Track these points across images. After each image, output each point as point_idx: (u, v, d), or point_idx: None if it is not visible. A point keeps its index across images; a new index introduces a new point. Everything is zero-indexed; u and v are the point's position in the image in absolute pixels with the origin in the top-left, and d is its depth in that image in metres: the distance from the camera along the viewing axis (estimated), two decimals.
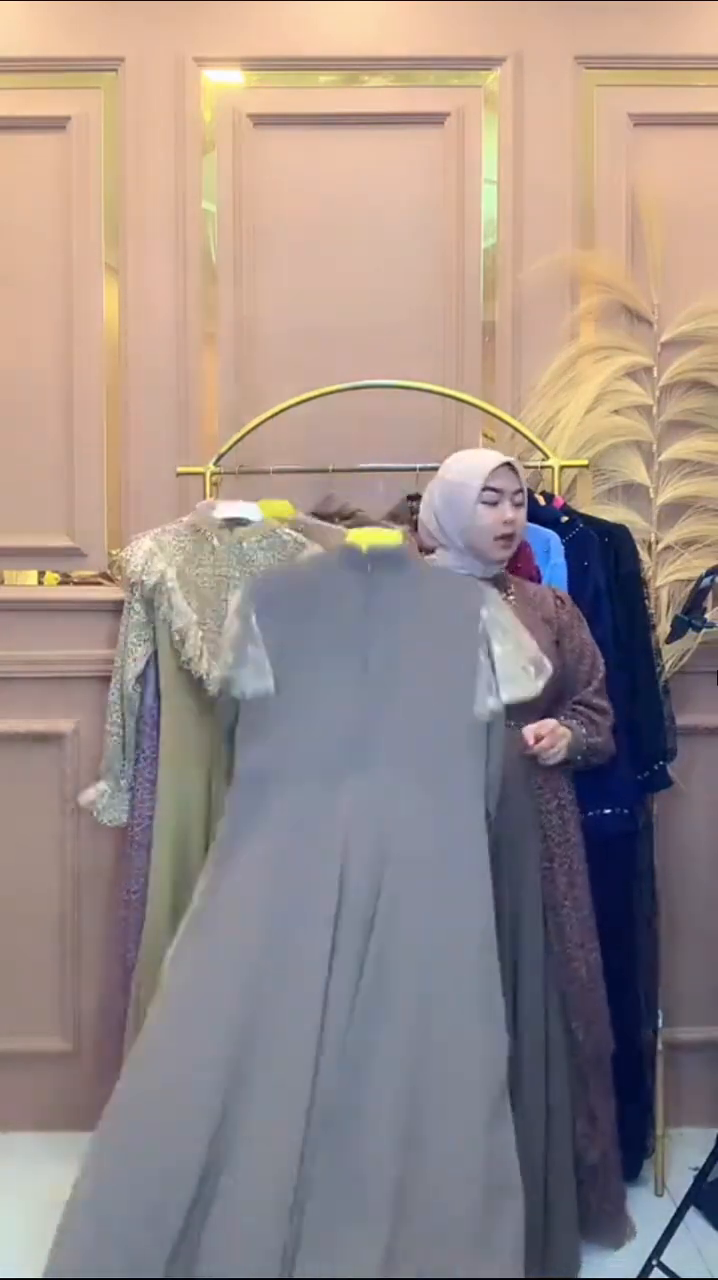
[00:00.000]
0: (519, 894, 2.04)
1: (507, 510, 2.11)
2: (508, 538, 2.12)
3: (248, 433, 2.49)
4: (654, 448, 2.57)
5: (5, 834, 2.65)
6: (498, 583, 2.17)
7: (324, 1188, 1.57)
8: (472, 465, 2.14)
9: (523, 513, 2.14)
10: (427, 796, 1.83)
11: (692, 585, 2.21)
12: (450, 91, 2.62)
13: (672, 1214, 2.06)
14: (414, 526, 2.49)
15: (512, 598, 2.17)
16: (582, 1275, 2.12)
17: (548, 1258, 2.03)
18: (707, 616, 2.16)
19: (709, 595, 2.09)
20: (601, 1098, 2.13)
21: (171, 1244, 1.56)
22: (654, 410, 2.58)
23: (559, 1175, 2.05)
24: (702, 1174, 2.07)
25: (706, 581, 2.12)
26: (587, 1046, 2.09)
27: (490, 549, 2.13)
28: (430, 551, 2.30)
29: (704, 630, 2.18)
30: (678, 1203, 2.08)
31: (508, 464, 2.13)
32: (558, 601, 2.19)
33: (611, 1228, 2.20)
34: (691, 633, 2.21)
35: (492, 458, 2.13)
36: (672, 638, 2.32)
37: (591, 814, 2.23)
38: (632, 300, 2.60)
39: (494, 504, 2.11)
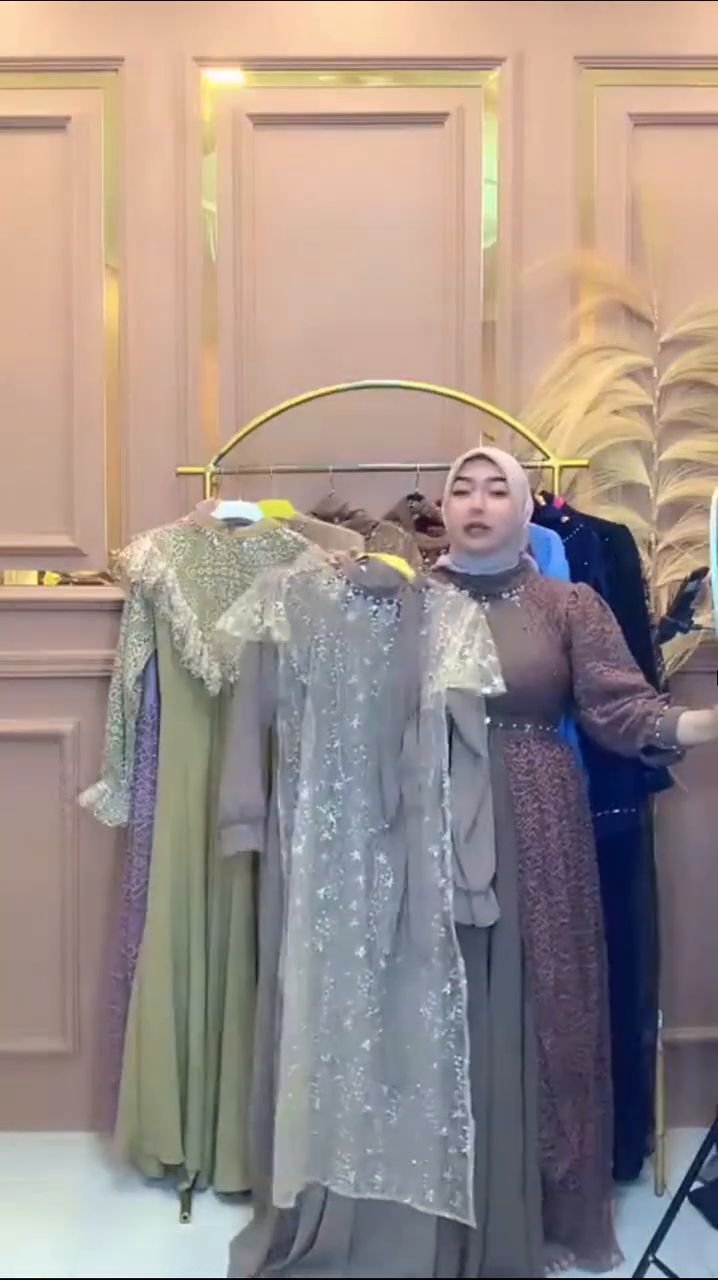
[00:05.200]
0: None
1: (476, 499, 2.12)
2: (479, 527, 2.12)
3: (248, 433, 2.49)
4: (654, 448, 2.57)
5: (5, 834, 2.65)
6: (507, 580, 2.17)
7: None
8: (455, 461, 2.18)
9: (503, 503, 2.12)
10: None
11: (678, 588, 2.21)
12: (450, 91, 2.62)
13: (674, 1216, 2.05)
14: (418, 525, 2.50)
15: (515, 597, 2.17)
16: (579, 1274, 2.13)
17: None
18: (694, 619, 2.15)
19: (697, 597, 2.09)
20: (571, 1112, 2.08)
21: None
22: (654, 410, 2.58)
23: (532, 1181, 2.06)
24: (692, 1171, 2.06)
25: (691, 585, 2.12)
26: (554, 1057, 2.06)
27: (462, 538, 2.15)
28: (437, 552, 2.32)
29: (691, 632, 2.18)
30: (678, 1203, 2.07)
31: (482, 455, 2.14)
32: (572, 597, 2.16)
33: (589, 1249, 2.16)
34: (678, 635, 2.21)
35: (470, 451, 2.18)
36: (660, 640, 2.33)
37: (600, 814, 2.23)
38: (632, 300, 2.60)
39: (465, 493, 2.14)
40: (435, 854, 2.03)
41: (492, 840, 2.03)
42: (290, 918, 2.08)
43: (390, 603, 2.11)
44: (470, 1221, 1.99)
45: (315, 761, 2.10)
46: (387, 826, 2.06)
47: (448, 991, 2.01)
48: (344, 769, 2.10)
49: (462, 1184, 1.99)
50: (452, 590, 2.13)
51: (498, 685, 2.04)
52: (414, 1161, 2.03)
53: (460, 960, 2.01)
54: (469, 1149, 1.99)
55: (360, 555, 2.16)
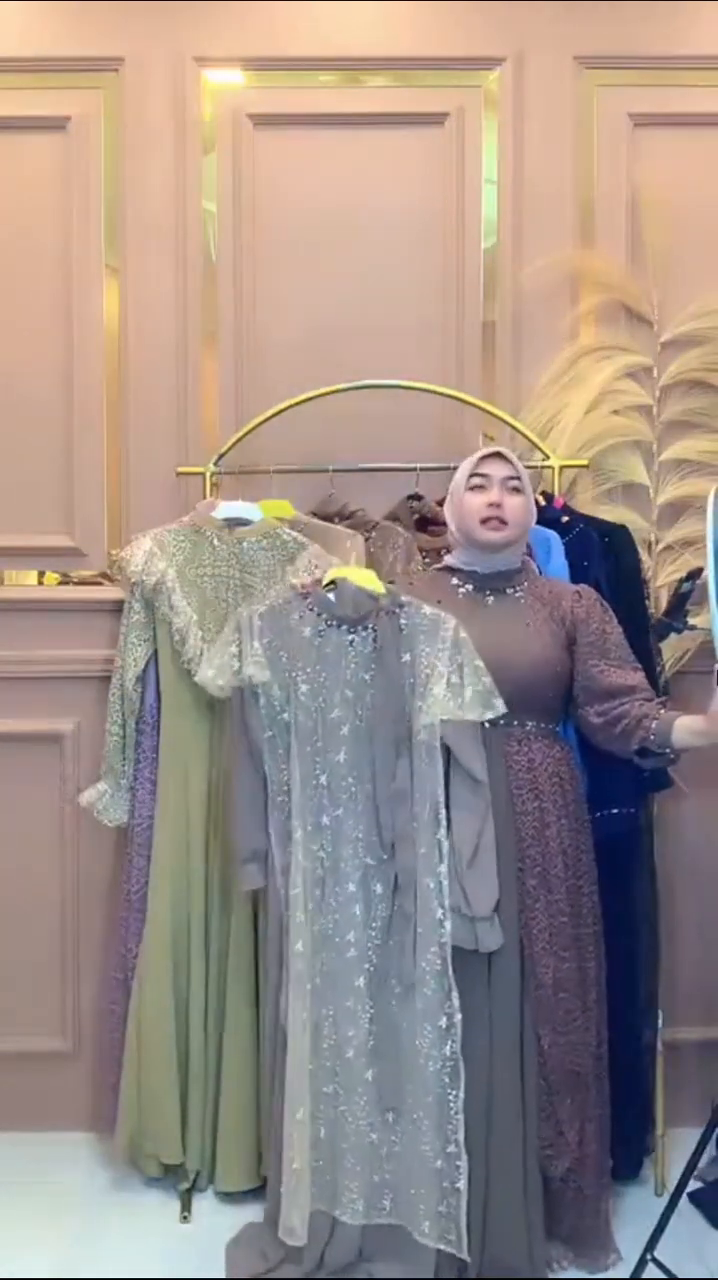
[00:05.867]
0: None
1: (494, 494, 2.13)
2: (496, 520, 2.12)
3: (248, 433, 2.49)
4: (654, 448, 2.57)
5: (5, 834, 2.65)
6: (510, 577, 2.17)
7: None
8: (466, 459, 2.19)
9: (519, 500, 2.14)
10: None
11: (673, 589, 2.21)
12: (450, 91, 2.62)
13: (672, 1214, 2.05)
14: (418, 525, 2.50)
15: (519, 593, 2.17)
16: (577, 1273, 2.13)
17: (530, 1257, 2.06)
18: (689, 620, 2.16)
19: (692, 597, 2.09)
20: (570, 1111, 2.07)
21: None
22: (654, 410, 2.58)
23: (533, 1180, 2.06)
24: (688, 1170, 2.06)
25: (686, 586, 2.12)
26: (553, 1056, 2.06)
27: (477, 532, 2.14)
28: (436, 552, 2.32)
29: (686, 633, 2.18)
30: (676, 1201, 2.07)
31: (498, 453, 2.16)
32: (575, 596, 2.17)
33: (587, 1249, 2.15)
34: (673, 635, 2.21)
35: (486, 449, 2.19)
36: (656, 640, 2.33)
37: (598, 815, 2.23)
38: (632, 300, 2.60)
39: (481, 488, 2.15)
40: (432, 885, 2.02)
41: (494, 865, 2.02)
42: (293, 961, 2.06)
43: (365, 629, 2.07)
44: (465, 1256, 2.00)
45: (303, 798, 2.08)
46: (385, 858, 2.04)
47: (443, 1025, 2.01)
48: (332, 803, 2.07)
49: (456, 1218, 1.99)
50: (427, 607, 2.07)
51: (498, 706, 2.03)
52: (413, 1191, 2.03)
53: (456, 994, 2.01)
54: (463, 1184, 1.99)
55: (328, 581, 2.09)
